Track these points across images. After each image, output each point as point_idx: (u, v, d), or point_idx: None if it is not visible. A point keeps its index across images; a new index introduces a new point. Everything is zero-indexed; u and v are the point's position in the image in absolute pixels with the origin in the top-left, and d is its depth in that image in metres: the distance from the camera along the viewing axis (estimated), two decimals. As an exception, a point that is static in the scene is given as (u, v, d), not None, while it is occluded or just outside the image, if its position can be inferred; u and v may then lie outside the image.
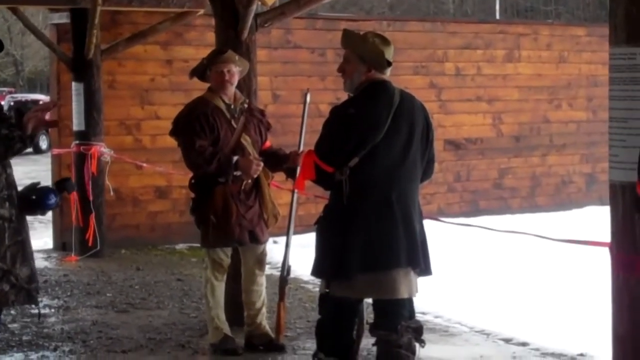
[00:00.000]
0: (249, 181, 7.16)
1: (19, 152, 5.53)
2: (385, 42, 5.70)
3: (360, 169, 5.52)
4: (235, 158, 7.02)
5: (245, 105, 7.29)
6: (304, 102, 6.65)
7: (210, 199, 7.08)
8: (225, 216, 7.05)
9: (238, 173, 7.04)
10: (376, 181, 5.53)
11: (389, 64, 5.65)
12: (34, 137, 5.56)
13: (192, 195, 7.28)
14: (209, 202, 7.08)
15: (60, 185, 6.01)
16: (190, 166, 7.15)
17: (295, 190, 6.97)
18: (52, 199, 5.73)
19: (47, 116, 6.51)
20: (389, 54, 5.65)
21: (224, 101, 7.18)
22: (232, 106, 7.20)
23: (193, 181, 7.23)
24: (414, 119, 5.67)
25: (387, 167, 5.54)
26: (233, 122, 7.17)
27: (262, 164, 7.08)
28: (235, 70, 7.22)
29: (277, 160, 7.25)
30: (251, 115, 7.30)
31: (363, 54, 5.63)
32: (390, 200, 5.52)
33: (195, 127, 7.05)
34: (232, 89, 7.21)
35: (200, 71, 7.35)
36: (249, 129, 7.23)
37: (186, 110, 7.28)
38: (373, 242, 5.49)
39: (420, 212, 5.75)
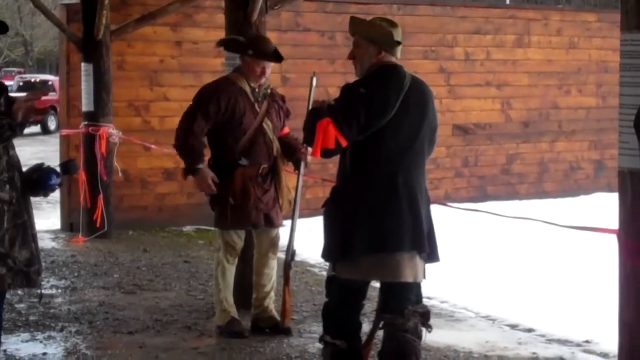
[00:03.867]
0: (266, 165, 7.18)
1: (8, 140, 5.50)
2: (393, 24, 5.70)
3: (366, 150, 5.51)
4: (200, 166, 7.07)
5: (269, 91, 7.30)
6: (310, 86, 6.64)
7: (230, 181, 7.09)
8: (243, 199, 7.07)
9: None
10: (383, 163, 5.52)
11: (399, 43, 5.64)
12: (24, 125, 5.54)
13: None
14: (228, 184, 7.09)
15: (64, 166, 6.00)
16: (177, 130, 7.20)
17: (301, 175, 7.00)
18: (54, 180, 5.71)
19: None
20: (398, 35, 5.65)
21: (250, 85, 7.19)
22: (257, 90, 7.21)
23: (212, 162, 7.25)
24: (424, 105, 5.67)
25: (394, 151, 5.53)
26: (257, 107, 7.19)
27: (215, 190, 7.10)
28: (270, 67, 7.23)
29: (288, 151, 7.29)
30: (273, 100, 7.32)
31: (372, 36, 5.64)
32: (397, 184, 5.52)
33: (210, 106, 7.07)
34: (262, 81, 7.22)
35: (236, 49, 7.32)
36: (271, 114, 7.25)
37: (212, 86, 7.32)
38: (378, 225, 5.49)
39: (427, 197, 5.74)
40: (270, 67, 7.24)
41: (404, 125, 5.55)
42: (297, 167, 7.16)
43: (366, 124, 5.46)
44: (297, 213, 7.12)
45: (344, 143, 5.48)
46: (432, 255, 5.68)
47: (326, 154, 5.56)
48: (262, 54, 7.15)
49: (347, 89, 5.60)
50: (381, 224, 5.50)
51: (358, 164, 5.55)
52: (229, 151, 7.11)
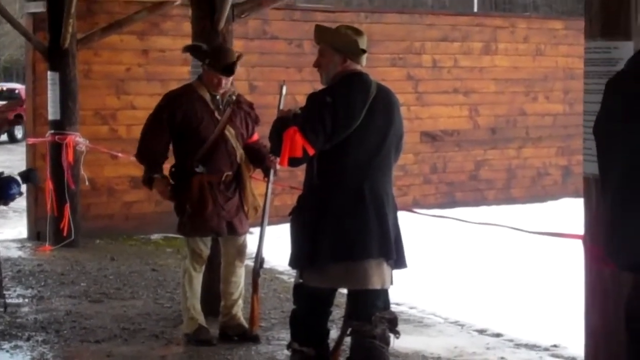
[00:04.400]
0: (230, 173, 7.17)
1: None
2: (358, 32, 5.73)
3: (333, 158, 5.52)
4: (155, 175, 7.15)
5: (234, 97, 7.29)
6: (280, 94, 6.65)
7: (187, 188, 7.09)
8: (200, 206, 7.06)
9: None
10: (349, 171, 5.53)
11: (364, 51, 5.66)
12: None
13: (171, 182, 7.29)
14: (185, 191, 7.10)
15: (24, 175, 5.96)
16: (138, 141, 7.27)
17: (270, 182, 7.00)
18: (14, 189, 5.67)
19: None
20: (363, 43, 5.67)
21: (209, 92, 7.18)
22: (218, 97, 7.20)
23: (173, 169, 7.24)
24: (390, 112, 5.68)
25: (360, 158, 5.54)
26: (217, 114, 7.16)
27: (170, 200, 7.20)
28: (228, 79, 7.21)
29: (257, 158, 7.28)
30: (239, 107, 7.29)
31: (337, 44, 5.66)
32: (363, 192, 5.53)
33: (163, 115, 7.13)
34: (220, 91, 7.20)
35: (197, 56, 7.35)
36: (235, 121, 7.23)
37: (171, 94, 7.36)
38: (345, 233, 5.50)
39: (394, 204, 5.76)
40: (229, 79, 7.21)
41: (370, 133, 5.56)
42: (267, 175, 7.16)
43: (332, 132, 5.46)
44: (266, 220, 7.11)
45: (311, 151, 5.48)
46: (399, 261, 5.70)
47: (293, 162, 5.56)
48: (215, 66, 7.13)
49: (312, 98, 5.60)
50: (348, 231, 5.51)
51: (325, 172, 5.56)
52: (187, 158, 7.11)
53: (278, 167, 6.88)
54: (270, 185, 7.07)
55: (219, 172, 7.14)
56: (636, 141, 3.03)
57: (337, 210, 5.52)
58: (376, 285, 5.58)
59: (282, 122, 5.61)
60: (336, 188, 5.54)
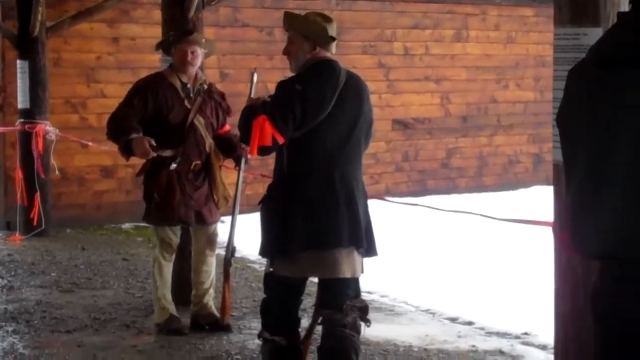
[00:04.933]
0: (199, 162, 7.14)
1: None
2: (327, 19, 5.71)
3: (303, 146, 5.51)
4: (133, 135, 6.97)
5: (205, 87, 7.26)
6: (251, 82, 6.62)
7: (155, 177, 7.05)
8: (168, 195, 7.03)
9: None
10: (319, 159, 5.52)
11: (333, 39, 5.64)
12: None
13: (141, 172, 7.26)
14: (153, 180, 7.06)
15: None
16: (106, 124, 7.17)
17: (241, 171, 6.99)
18: None
19: None
20: (332, 30, 5.65)
21: (180, 80, 7.16)
22: (189, 86, 7.17)
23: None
24: (360, 100, 5.67)
25: (330, 146, 5.53)
26: (187, 102, 7.14)
27: (153, 154, 7.00)
28: (199, 52, 7.19)
29: (228, 148, 7.25)
30: (210, 97, 7.27)
31: (306, 32, 5.64)
32: (333, 180, 5.52)
33: (134, 100, 7.08)
34: (192, 70, 7.19)
35: (165, 45, 7.37)
36: (205, 110, 7.20)
37: (142, 81, 7.34)
38: (315, 221, 5.49)
39: (364, 192, 5.75)
40: (198, 53, 7.17)
41: (340, 121, 5.55)
42: (238, 164, 7.14)
43: (302, 120, 5.45)
44: (237, 209, 7.09)
45: (281, 140, 5.46)
46: (369, 249, 5.69)
47: (263, 151, 5.54)
48: (177, 38, 7.18)
49: (282, 86, 5.58)
50: (318, 220, 5.50)
51: (295, 160, 5.54)
52: (157, 147, 7.06)
53: (249, 156, 6.86)
54: (241, 174, 7.06)
55: (187, 161, 7.11)
56: (599, 129, 3.03)
57: (307, 199, 5.51)
58: (347, 274, 5.57)
59: (251, 110, 5.58)
60: (306, 176, 5.53)
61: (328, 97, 5.51)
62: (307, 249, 5.51)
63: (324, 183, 5.52)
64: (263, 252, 5.73)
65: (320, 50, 5.64)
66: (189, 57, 7.12)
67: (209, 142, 7.22)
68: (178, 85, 7.16)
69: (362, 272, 5.72)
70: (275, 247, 5.59)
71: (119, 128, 7.03)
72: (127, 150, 7.03)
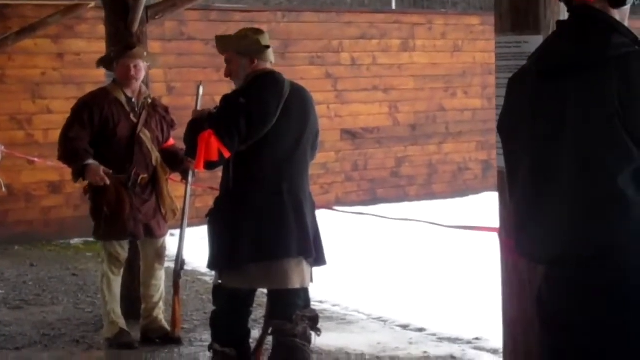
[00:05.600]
0: (145, 175, 7.11)
1: None
2: (257, 31, 5.79)
3: (249, 158, 5.52)
4: (88, 162, 6.96)
5: (149, 101, 7.25)
6: (197, 95, 6.62)
7: (103, 191, 7.01)
8: (118, 209, 7.00)
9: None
10: (266, 171, 5.54)
11: (267, 47, 5.67)
12: None
13: (87, 187, 7.21)
14: (102, 194, 7.02)
15: None
16: (58, 144, 7.11)
17: (189, 184, 6.97)
18: None
19: None
20: (265, 39, 5.71)
21: (125, 94, 7.14)
22: (134, 100, 7.15)
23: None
24: (305, 111, 5.70)
25: (277, 158, 5.55)
26: (132, 116, 7.12)
27: (107, 182, 6.97)
28: (142, 66, 7.17)
29: (174, 161, 7.24)
30: (154, 111, 7.26)
31: (239, 48, 5.70)
32: (281, 191, 5.53)
33: (83, 115, 7.04)
34: (136, 84, 7.17)
35: (107, 61, 7.32)
36: (150, 124, 7.19)
37: (87, 97, 7.29)
38: (263, 232, 5.50)
39: (312, 202, 5.77)
40: (141, 67, 7.16)
41: (286, 132, 5.56)
42: (185, 177, 7.13)
43: (247, 133, 5.46)
44: (186, 222, 7.08)
45: (227, 154, 5.47)
46: (318, 259, 5.71)
47: (209, 165, 5.54)
48: (119, 52, 7.15)
49: (226, 99, 5.60)
50: (267, 231, 5.51)
51: (241, 172, 5.55)
52: (104, 161, 7.02)
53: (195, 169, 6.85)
54: (189, 188, 7.05)
55: (135, 175, 7.09)
56: (541, 136, 3.07)
57: (255, 211, 5.52)
58: (296, 284, 5.59)
59: (196, 124, 5.58)
60: (254, 188, 5.54)
61: (272, 109, 5.52)
62: (255, 261, 5.52)
63: (271, 194, 5.53)
64: (211, 264, 5.73)
65: (259, 62, 5.67)
66: (132, 72, 7.10)
67: (155, 155, 7.20)
68: (123, 99, 7.14)
69: (312, 281, 5.74)
70: (224, 259, 5.60)
71: (72, 151, 6.99)
72: (79, 174, 7.00)
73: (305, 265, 5.61)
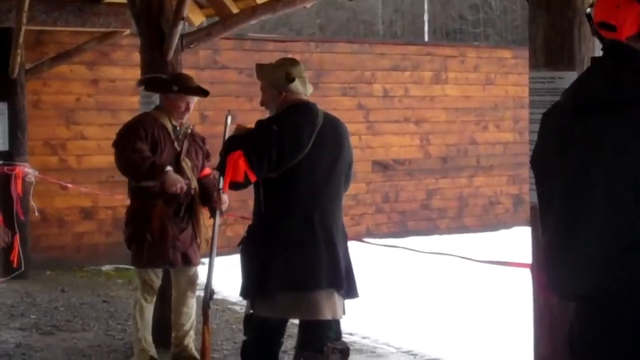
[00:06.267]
0: (182, 204, 7.13)
1: None
2: (292, 63, 5.79)
3: (281, 187, 5.53)
4: (168, 167, 6.96)
5: (189, 130, 7.29)
6: (225, 124, 6.66)
7: (147, 217, 7.03)
8: (161, 236, 7.02)
9: (156, 183, 6.98)
10: (298, 201, 5.54)
11: (291, 80, 5.67)
12: None
13: (128, 213, 7.22)
14: (145, 222, 7.03)
15: None
16: (124, 164, 7.02)
17: (216, 221, 6.94)
18: None
19: None
20: (297, 71, 5.71)
21: (171, 122, 7.17)
22: (178, 129, 7.19)
23: (131, 196, 7.19)
24: (339, 141, 5.71)
25: (309, 187, 5.55)
26: (176, 144, 7.16)
27: (185, 187, 7.03)
28: (193, 103, 7.22)
29: (204, 197, 7.26)
30: (193, 140, 7.31)
31: (270, 79, 5.75)
32: (312, 221, 5.53)
33: (140, 131, 7.04)
34: (185, 118, 7.19)
35: (159, 86, 7.27)
36: (191, 153, 7.23)
37: (134, 119, 7.31)
38: (295, 263, 5.50)
39: (344, 233, 5.76)
40: (193, 102, 7.23)
41: (319, 162, 5.57)
42: (213, 215, 7.13)
43: (278, 161, 5.48)
44: (215, 251, 7.09)
45: (253, 178, 5.50)
46: (350, 291, 5.70)
47: (235, 186, 5.59)
48: (187, 89, 7.16)
49: (260, 125, 5.62)
50: (297, 261, 5.51)
51: (273, 201, 5.57)
52: (147, 188, 7.05)
53: (225, 206, 6.88)
54: (216, 225, 7.05)
55: (173, 203, 7.11)
56: (573, 172, 3.06)
57: (286, 240, 5.52)
58: (327, 315, 5.58)
59: (234, 141, 5.62)
60: (285, 218, 5.54)
61: (305, 138, 5.54)
62: (285, 290, 5.52)
63: (302, 224, 5.53)
64: (243, 293, 5.74)
65: (287, 94, 5.69)
66: (185, 107, 7.15)
67: (194, 184, 7.23)
68: (169, 127, 7.18)
69: (344, 313, 5.73)
70: (255, 288, 5.60)
71: (143, 158, 6.92)
72: (151, 176, 6.97)
73: (336, 297, 5.61)
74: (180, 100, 7.13)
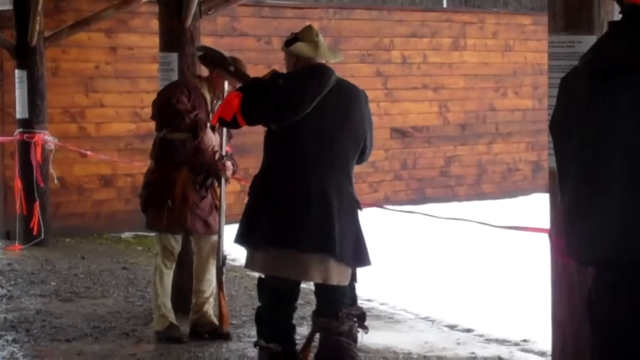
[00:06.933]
0: (203, 173, 7.13)
1: None
2: (306, 27, 5.91)
3: (282, 143, 5.60)
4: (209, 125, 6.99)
5: (217, 104, 7.31)
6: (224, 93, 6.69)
7: (170, 183, 7.06)
8: (181, 202, 7.05)
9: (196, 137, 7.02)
10: (296, 162, 5.57)
11: (291, 40, 5.76)
12: None
13: (149, 176, 7.24)
14: (168, 187, 7.06)
15: None
16: (167, 112, 7.06)
17: (222, 179, 7.01)
18: None
19: None
20: (300, 34, 5.81)
21: (209, 93, 7.19)
22: (215, 101, 7.21)
23: (156, 157, 7.22)
24: (346, 109, 5.68)
25: (309, 151, 5.57)
26: (210, 115, 7.18)
27: (217, 151, 7.06)
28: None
29: None
30: None
31: (284, 44, 5.86)
32: (308, 183, 5.55)
33: (184, 90, 7.09)
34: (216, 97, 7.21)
35: (216, 61, 7.21)
36: (220, 127, 7.25)
37: (177, 81, 7.42)
38: (281, 220, 5.56)
39: (352, 202, 5.71)
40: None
41: (321, 125, 5.58)
42: (218, 182, 7.17)
43: (274, 114, 5.53)
44: (223, 218, 7.13)
45: (241, 122, 5.65)
46: (359, 259, 5.68)
47: (222, 123, 5.87)
48: (241, 76, 7.06)
49: (270, 75, 5.68)
50: (286, 219, 5.54)
51: (273, 155, 5.66)
52: (172, 155, 7.07)
53: (229, 174, 7.03)
54: (223, 191, 7.11)
55: (197, 171, 7.13)
56: (593, 136, 3.06)
57: (278, 197, 5.58)
58: (316, 278, 5.63)
59: (245, 84, 5.84)
60: (281, 175, 5.60)
61: (308, 98, 5.57)
62: (267, 245, 5.59)
63: (298, 183, 5.56)
64: (235, 238, 5.84)
65: (300, 58, 5.76)
66: (228, 89, 7.15)
67: (219, 155, 7.21)
68: (208, 97, 7.21)
69: (355, 280, 5.73)
70: (240, 236, 5.72)
71: (189, 109, 6.97)
72: (195, 127, 7.00)
73: (332, 263, 5.59)
74: (224, 79, 7.13)
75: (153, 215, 7.18)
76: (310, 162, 5.57)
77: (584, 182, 3.09)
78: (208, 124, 7.01)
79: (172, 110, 7.02)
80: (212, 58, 7.33)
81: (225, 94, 7.10)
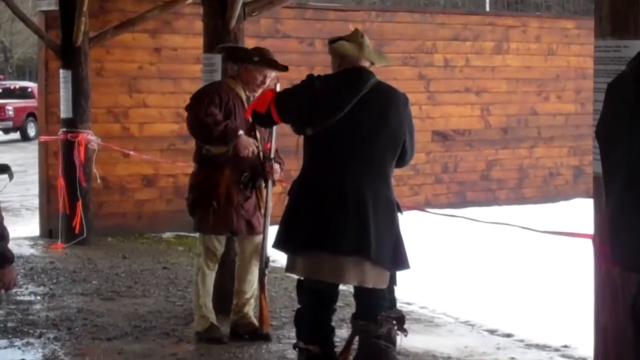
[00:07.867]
0: (247, 173, 7.14)
1: None
2: (350, 36, 5.84)
3: (317, 146, 5.62)
4: (241, 132, 6.99)
5: None
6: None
7: (214, 184, 7.08)
8: (227, 203, 7.06)
9: (228, 147, 7.02)
10: (332, 162, 5.58)
11: (333, 39, 5.80)
12: None
13: (193, 179, 7.27)
14: (213, 188, 7.08)
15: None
16: (197, 127, 7.05)
17: (269, 181, 7.02)
18: None
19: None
20: (347, 35, 5.82)
21: (245, 92, 7.20)
22: (251, 99, 7.21)
23: (198, 160, 7.25)
24: (384, 112, 5.66)
25: (344, 152, 5.57)
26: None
27: (256, 152, 7.07)
28: (270, 77, 7.24)
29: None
30: None
31: (333, 50, 5.83)
32: (344, 188, 5.54)
33: (214, 98, 7.07)
34: (259, 90, 7.18)
35: (239, 56, 7.27)
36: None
37: (209, 86, 7.37)
38: (318, 223, 5.56)
39: (391, 205, 5.67)
40: (270, 77, 7.22)
41: (357, 129, 5.57)
42: (265, 184, 7.16)
43: (310, 115, 5.55)
44: (268, 221, 7.12)
45: (276, 118, 5.74)
46: (397, 263, 5.67)
47: (256, 116, 5.93)
48: (268, 61, 7.14)
49: (307, 77, 5.71)
50: (321, 223, 5.54)
51: (309, 159, 5.67)
52: (216, 156, 7.10)
53: (277, 176, 7.04)
54: (269, 194, 7.10)
55: (238, 172, 7.14)
56: (637, 145, 3.04)
57: (314, 200, 5.58)
58: (352, 281, 5.64)
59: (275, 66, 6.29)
60: (318, 178, 5.61)
61: (344, 101, 5.56)
62: (305, 249, 5.61)
63: (333, 186, 5.56)
64: (273, 243, 5.90)
65: (343, 60, 5.79)
66: (262, 81, 7.15)
67: (261, 154, 7.22)
68: (243, 97, 7.20)
69: (395, 283, 5.72)
70: (278, 240, 5.74)
71: (214, 122, 6.93)
72: (224, 138, 6.99)
73: (369, 266, 5.57)
74: (258, 72, 7.14)
75: (199, 217, 7.20)
76: (346, 165, 5.57)
77: (629, 188, 3.08)
78: (241, 131, 7.00)
79: (199, 124, 7.01)
80: (234, 53, 7.37)
81: (265, 80, 7.16)
